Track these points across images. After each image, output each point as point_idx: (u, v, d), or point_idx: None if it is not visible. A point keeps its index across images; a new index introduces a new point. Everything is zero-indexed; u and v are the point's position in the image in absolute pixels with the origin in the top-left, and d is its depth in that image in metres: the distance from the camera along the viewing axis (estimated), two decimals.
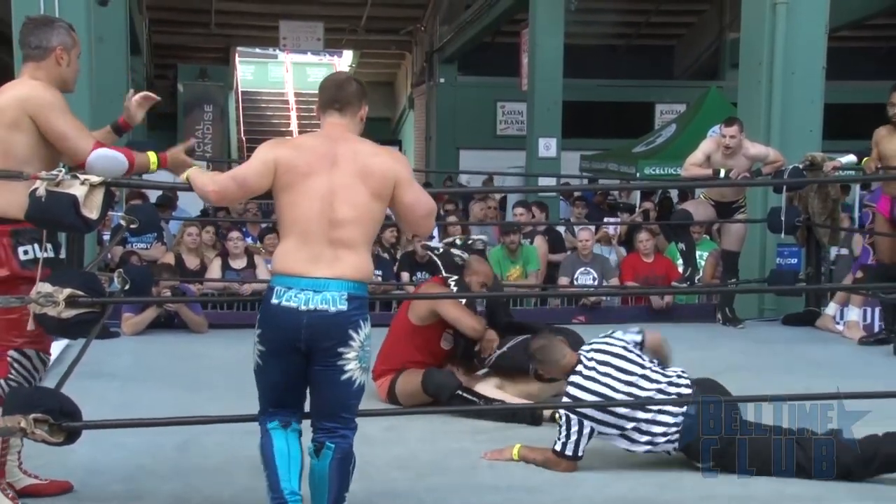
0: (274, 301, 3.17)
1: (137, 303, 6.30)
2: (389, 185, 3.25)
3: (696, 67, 21.73)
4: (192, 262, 7.99)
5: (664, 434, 4.07)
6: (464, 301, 5.19)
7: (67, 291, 3.34)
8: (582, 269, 8.47)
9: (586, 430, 4.07)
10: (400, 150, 22.91)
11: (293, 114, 27.08)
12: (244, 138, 25.14)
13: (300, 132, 23.56)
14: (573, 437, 4.07)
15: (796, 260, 7.97)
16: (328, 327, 3.13)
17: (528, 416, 4.83)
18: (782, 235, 7.58)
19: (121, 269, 3.91)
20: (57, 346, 5.24)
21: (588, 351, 4.26)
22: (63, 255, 3.90)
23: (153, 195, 9.16)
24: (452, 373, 5.13)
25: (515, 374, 5.11)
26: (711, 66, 21.20)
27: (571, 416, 4.08)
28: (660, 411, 4.05)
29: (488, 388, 5.07)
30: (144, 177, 5.33)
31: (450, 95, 21.15)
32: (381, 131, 23.65)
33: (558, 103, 13.62)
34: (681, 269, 7.95)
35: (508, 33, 18.10)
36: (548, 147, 13.63)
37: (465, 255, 5.37)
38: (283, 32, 20.58)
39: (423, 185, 4.39)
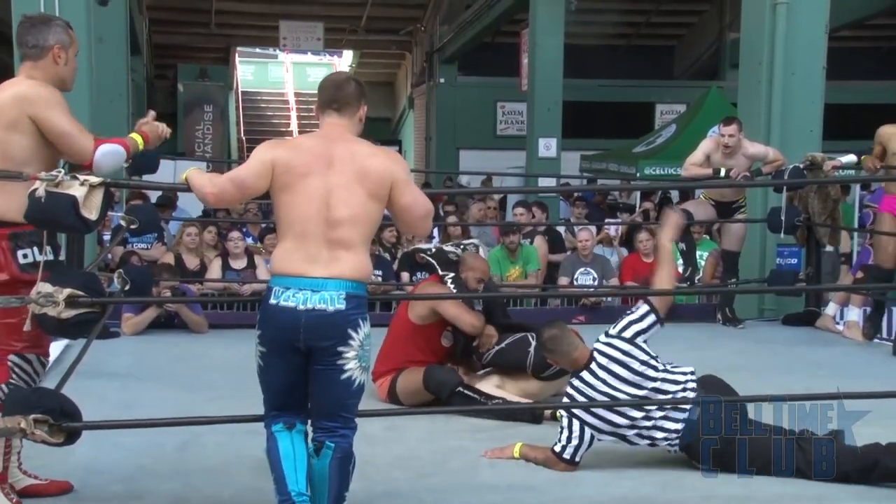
0: (272, 301, 3.17)
1: (137, 303, 6.29)
2: (386, 185, 3.25)
3: (697, 67, 21.74)
4: (191, 263, 7.99)
5: (665, 439, 4.07)
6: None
7: (67, 292, 3.33)
8: (582, 269, 8.47)
9: (586, 437, 4.06)
10: (400, 150, 22.98)
11: (293, 114, 27.09)
12: (244, 138, 25.15)
13: (300, 132, 23.57)
14: (573, 442, 4.06)
15: (796, 260, 7.97)
16: (327, 327, 3.13)
17: (529, 414, 4.83)
18: (782, 235, 7.59)
19: (121, 270, 3.90)
20: (57, 346, 5.25)
21: (602, 352, 4.13)
22: (63, 257, 3.89)
23: (153, 195, 9.16)
24: (454, 370, 5.14)
25: (514, 371, 5.12)
26: (711, 66, 21.21)
27: (573, 418, 4.07)
28: (663, 418, 4.04)
29: (489, 386, 5.08)
30: (145, 177, 5.34)
31: (450, 96, 21.16)
32: (381, 131, 23.65)
33: (558, 103, 13.62)
34: (681, 269, 7.95)
35: (508, 33, 18.10)
36: (548, 147, 13.64)
37: (459, 252, 5.36)
38: (283, 32, 20.59)
39: (423, 185, 4.39)
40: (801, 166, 7.04)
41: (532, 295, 8.61)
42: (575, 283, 8.36)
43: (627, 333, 4.13)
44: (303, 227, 3.18)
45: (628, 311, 4.23)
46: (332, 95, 3.35)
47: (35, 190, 3.28)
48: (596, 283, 8.39)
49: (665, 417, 4.04)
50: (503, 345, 5.13)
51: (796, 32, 8.05)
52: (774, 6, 8.04)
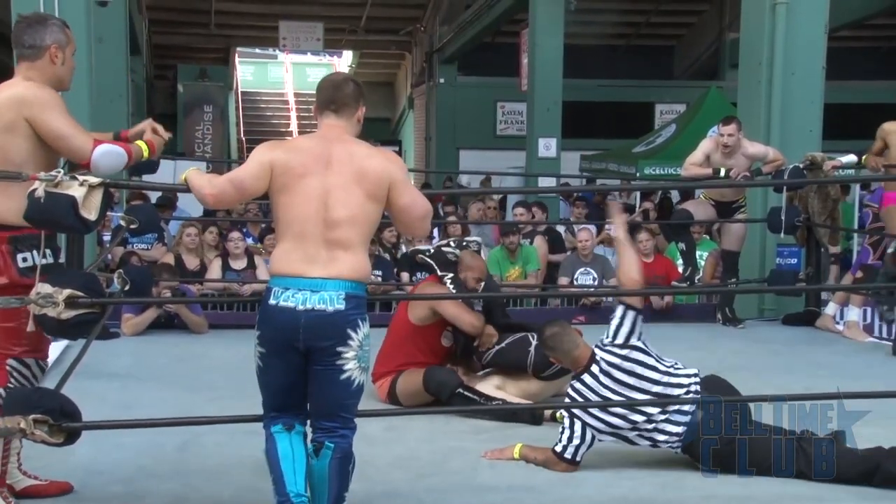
0: (272, 302, 3.17)
1: (137, 303, 6.29)
2: (384, 186, 3.25)
3: (696, 67, 21.74)
4: (191, 263, 7.99)
5: (666, 441, 4.06)
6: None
7: (67, 292, 3.33)
8: (582, 269, 8.47)
9: (588, 438, 4.06)
10: (400, 150, 22.99)
11: (293, 114, 27.10)
12: (244, 139, 25.16)
13: (300, 132, 23.60)
14: (574, 442, 4.06)
15: (796, 260, 7.97)
16: (326, 327, 3.13)
17: (529, 415, 4.83)
18: (782, 235, 7.59)
19: (121, 270, 3.90)
20: (57, 347, 5.25)
21: (605, 354, 4.12)
22: (62, 260, 3.87)
23: (153, 195, 9.16)
24: (454, 371, 5.13)
25: (514, 371, 5.12)
26: (711, 66, 21.21)
27: (575, 419, 4.07)
28: (665, 420, 4.03)
29: (489, 387, 5.07)
30: (145, 177, 5.33)
31: (450, 96, 21.16)
32: (381, 132, 23.65)
33: (558, 103, 13.63)
34: (681, 269, 7.96)
35: (508, 33, 18.11)
36: (548, 147, 13.64)
37: (457, 252, 5.36)
38: (282, 33, 20.59)
39: (423, 185, 4.39)
40: (801, 166, 7.04)
41: (532, 295, 8.61)
42: (575, 283, 8.36)
43: (619, 339, 4.13)
44: (301, 228, 3.18)
45: (610, 317, 4.21)
46: (331, 96, 3.35)
47: (34, 190, 3.27)
48: (596, 283, 8.38)
49: (667, 420, 4.03)
50: (503, 344, 5.12)
51: (796, 32, 8.05)
52: (774, 6, 8.04)
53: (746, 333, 7.42)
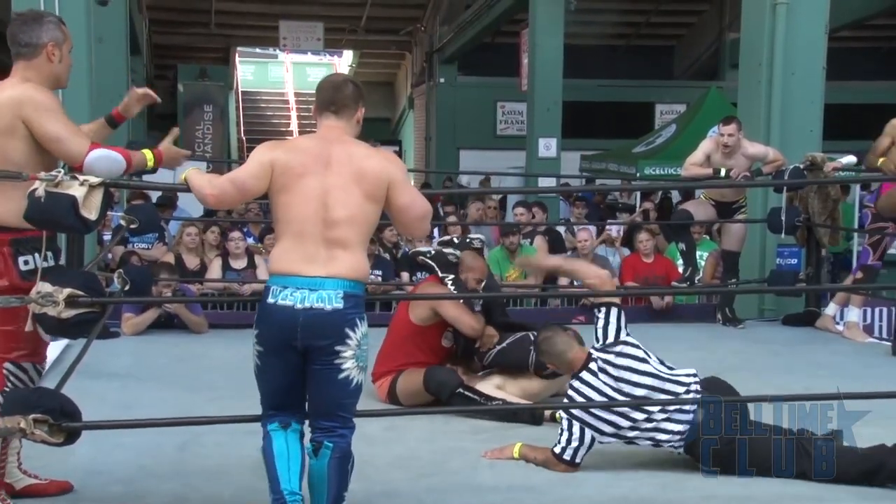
0: (270, 300, 3.17)
1: (137, 303, 6.29)
2: (383, 186, 3.26)
3: (696, 67, 21.75)
4: (191, 263, 7.99)
5: (668, 441, 4.06)
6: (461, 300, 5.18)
7: (67, 291, 3.32)
8: None
9: (587, 439, 4.06)
10: (400, 150, 23.00)
11: (293, 114, 27.11)
12: (244, 138, 25.16)
13: (300, 132, 23.60)
14: (573, 444, 4.05)
15: (796, 260, 7.98)
16: (324, 325, 3.14)
17: (529, 415, 4.83)
18: (782, 235, 7.58)
19: (121, 270, 3.90)
20: (57, 346, 5.25)
21: (602, 355, 4.12)
22: (63, 261, 3.86)
23: (154, 195, 9.15)
24: (454, 371, 5.13)
25: (515, 371, 5.12)
26: (711, 66, 21.22)
27: (573, 420, 4.07)
28: (666, 420, 4.03)
29: (489, 387, 5.07)
30: (145, 177, 5.33)
31: (450, 96, 21.17)
32: (381, 132, 23.65)
33: (558, 103, 13.63)
34: (681, 270, 7.95)
35: (508, 33, 18.11)
36: (548, 147, 13.64)
37: (458, 253, 5.35)
38: (283, 32, 20.60)
39: (423, 185, 4.39)
40: (801, 166, 7.04)
41: (532, 295, 8.61)
42: (575, 283, 8.35)
43: (610, 338, 4.14)
44: (300, 227, 3.19)
45: (596, 319, 4.21)
46: (330, 97, 3.36)
47: (35, 190, 3.26)
48: None
49: (668, 420, 4.03)
50: (504, 344, 5.12)
51: (796, 32, 8.04)
52: (774, 6, 8.04)
53: (746, 334, 7.41)
